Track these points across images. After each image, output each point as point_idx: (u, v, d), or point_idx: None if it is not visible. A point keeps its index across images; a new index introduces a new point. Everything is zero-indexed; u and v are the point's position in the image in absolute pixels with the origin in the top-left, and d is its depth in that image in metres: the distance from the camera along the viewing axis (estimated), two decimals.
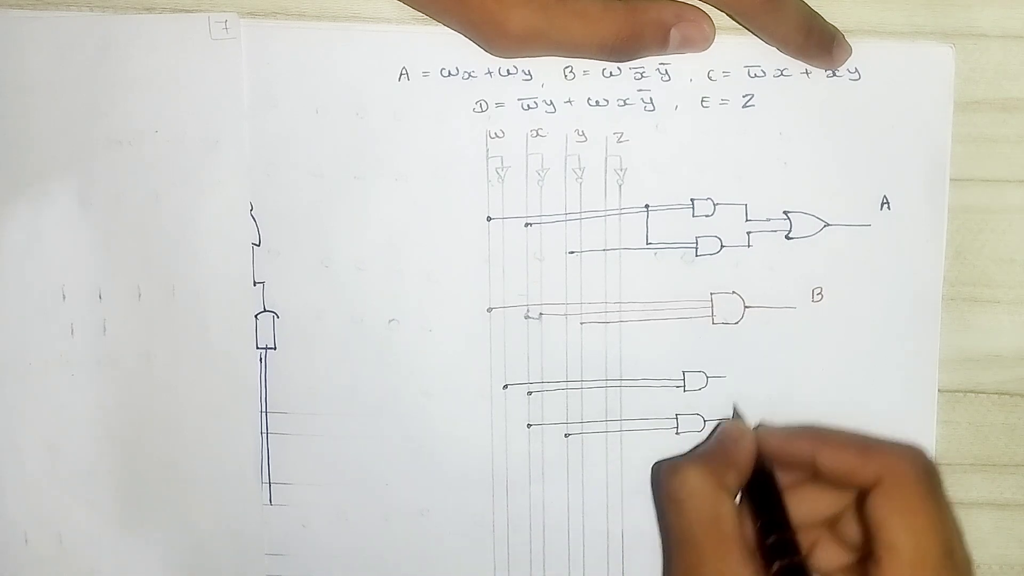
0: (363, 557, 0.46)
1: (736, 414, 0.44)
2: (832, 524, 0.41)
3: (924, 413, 0.44)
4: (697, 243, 0.44)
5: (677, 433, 0.45)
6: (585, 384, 0.45)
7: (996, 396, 0.45)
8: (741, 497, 0.41)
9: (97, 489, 0.45)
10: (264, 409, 0.45)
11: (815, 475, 0.40)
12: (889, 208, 0.44)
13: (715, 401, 0.44)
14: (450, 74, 0.43)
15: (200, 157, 0.44)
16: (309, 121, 0.44)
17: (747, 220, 0.44)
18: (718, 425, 0.44)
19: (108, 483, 0.45)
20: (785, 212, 0.44)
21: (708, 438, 0.44)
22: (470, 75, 0.43)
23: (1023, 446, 0.45)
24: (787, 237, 0.44)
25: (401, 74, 0.43)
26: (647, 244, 0.44)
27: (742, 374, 0.44)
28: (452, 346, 0.44)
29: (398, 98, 0.43)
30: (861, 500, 0.39)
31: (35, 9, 0.43)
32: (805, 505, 0.41)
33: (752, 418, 0.44)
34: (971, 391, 0.45)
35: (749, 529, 0.40)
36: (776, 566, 0.38)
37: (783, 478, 0.41)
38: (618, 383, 0.45)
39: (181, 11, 0.43)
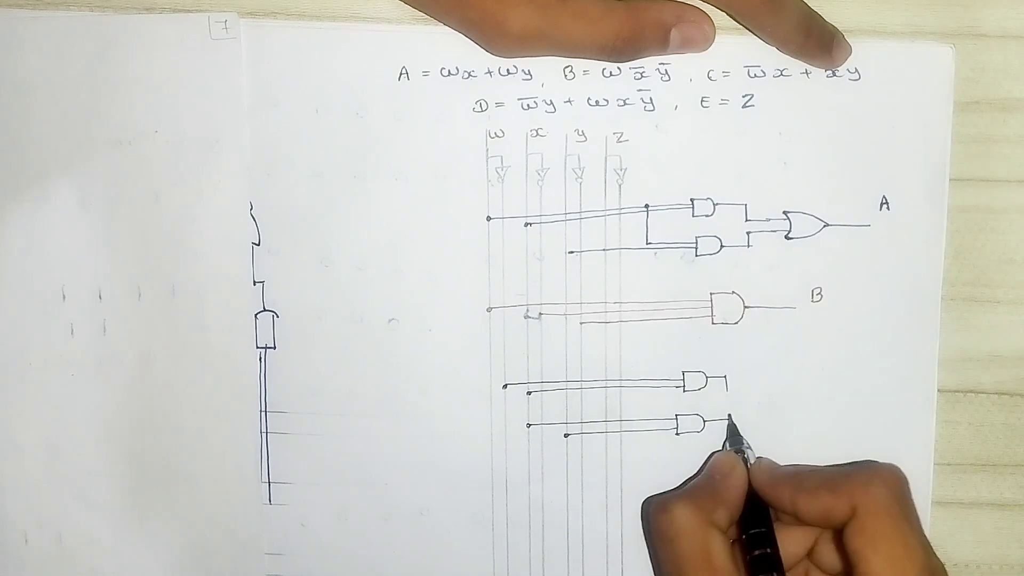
0: (362, 556, 0.46)
1: (732, 431, 0.44)
2: (810, 553, 0.41)
3: (924, 413, 0.44)
4: (697, 243, 0.44)
5: (677, 433, 0.45)
6: (585, 384, 0.45)
7: (996, 396, 0.45)
8: (736, 530, 0.41)
9: (97, 489, 0.45)
10: (264, 408, 0.45)
11: (797, 519, 0.40)
12: (888, 208, 0.44)
13: (715, 401, 0.44)
14: (450, 74, 0.43)
15: (200, 157, 0.44)
16: (309, 121, 0.44)
17: (747, 220, 0.44)
18: (711, 456, 0.44)
19: (108, 483, 0.45)
20: (785, 212, 0.44)
21: (700, 470, 0.44)
22: (470, 75, 0.43)
23: (1023, 446, 0.45)
24: (787, 237, 0.44)
25: (401, 74, 0.43)
26: (647, 244, 0.44)
27: (742, 374, 0.44)
28: (452, 346, 0.44)
29: (398, 98, 0.43)
30: (838, 531, 0.39)
31: (35, 9, 0.43)
32: (794, 539, 0.41)
33: (746, 426, 0.44)
34: (971, 391, 0.45)
35: (740, 561, 0.40)
36: None
37: (773, 512, 0.41)
38: (618, 383, 0.45)
39: (181, 11, 0.43)
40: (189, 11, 0.43)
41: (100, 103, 0.44)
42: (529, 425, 0.45)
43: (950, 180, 0.43)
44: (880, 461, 0.43)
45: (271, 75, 0.44)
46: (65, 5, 0.43)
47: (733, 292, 0.44)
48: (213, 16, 0.43)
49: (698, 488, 0.42)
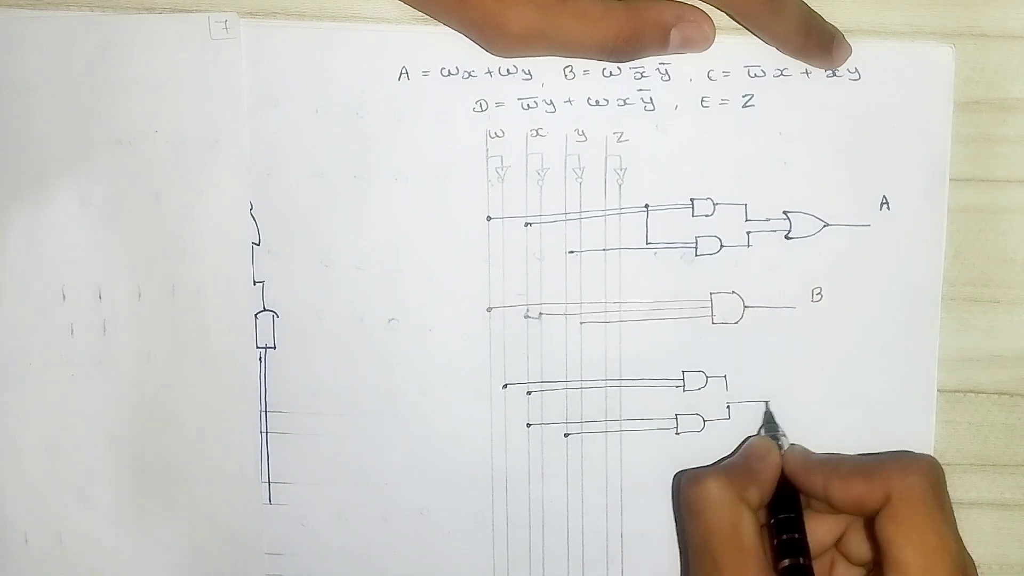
0: (362, 556, 0.46)
1: (768, 419, 0.44)
2: (838, 542, 0.41)
3: (924, 413, 0.44)
4: (697, 243, 0.44)
5: (677, 433, 0.45)
6: (585, 384, 0.45)
7: (996, 396, 0.45)
8: (765, 515, 0.41)
9: (97, 489, 0.45)
10: (264, 408, 0.45)
11: (829, 505, 0.40)
12: (889, 208, 0.44)
13: (714, 401, 0.44)
14: (450, 74, 0.43)
15: (200, 157, 0.44)
16: (309, 121, 0.44)
17: (747, 220, 0.44)
18: (747, 439, 0.44)
19: (108, 483, 0.45)
20: (785, 212, 0.44)
21: (735, 451, 0.44)
22: (470, 75, 0.43)
23: (1023, 446, 0.45)
24: (787, 237, 0.44)
25: (401, 74, 0.43)
26: (647, 244, 0.44)
27: (742, 374, 0.44)
28: (452, 346, 0.44)
29: (398, 98, 0.44)
30: (870, 519, 0.39)
31: (35, 9, 0.43)
32: (823, 528, 0.41)
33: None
34: (971, 391, 0.45)
35: (768, 546, 0.40)
36: None
37: (804, 500, 0.41)
38: (618, 383, 0.45)
39: (181, 11, 0.43)
40: (189, 11, 0.43)
41: (100, 103, 0.44)
42: (529, 425, 0.45)
43: (950, 180, 0.43)
44: (917, 452, 0.43)
45: (271, 75, 0.44)
46: (65, 5, 0.43)
47: (733, 292, 0.44)
48: (213, 16, 0.43)
49: (732, 466, 0.42)
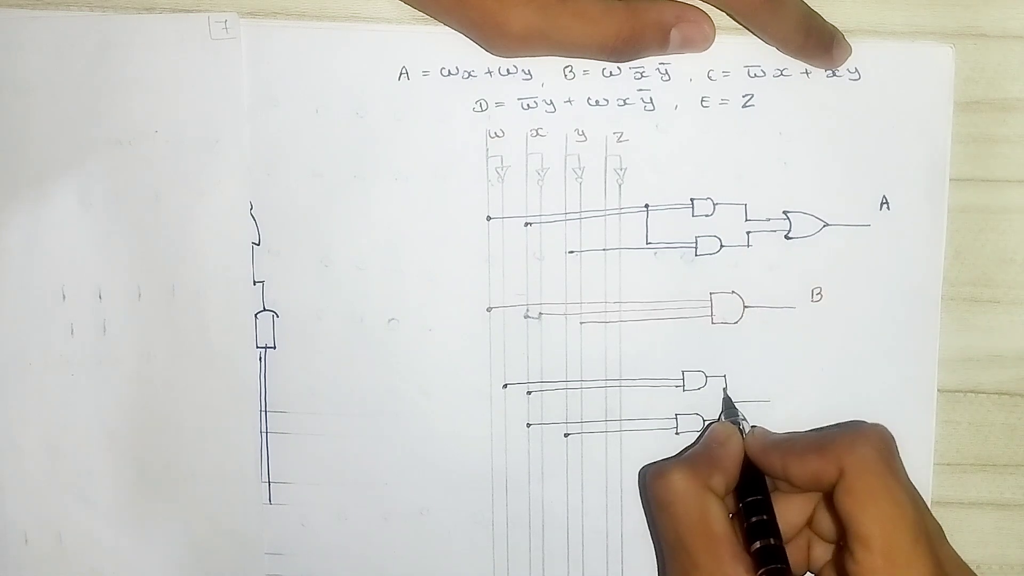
0: (362, 556, 0.46)
1: (727, 404, 0.44)
2: (810, 521, 0.41)
3: (924, 413, 0.44)
4: (697, 243, 0.44)
5: (677, 433, 0.45)
6: (585, 384, 0.45)
7: (996, 396, 0.45)
8: (733, 500, 0.41)
9: (97, 489, 0.45)
10: (264, 408, 0.45)
11: (791, 484, 0.40)
12: (889, 208, 0.44)
13: (715, 401, 0.44)
14: (450, 74, 0.43)
15: (200, 157, 0.44)
16: (309, 121, 0.44)
17: (747, 220, 0.44)
18: (707, 425, 0.44)
19: (108, 483, 0.45)
20: (785, 212, 0.44)
21: (696, 440, 0.44)
22: (470, 75, 0.43)
23: (1023, 446, 0.45)
24: (787, 237, 0.44)
25: (401, 74, 0.43)
26: (647, 244, 0.44)
27: (741, 374, 0.44)
28: (452, 346, 0.44)
29: (398, 98, 0.44)
30: (830, 495, 0.39)
31: (35, 9, 0.43)
32: (793, 508, 0.41)
33: (744, 412, 0.44)
34: (971, 391, 0.45)
35: (739, 530, 0.40)
36: (761, 572, 0.38)
37: (771, 483, 0.41)
38: (618, 383, 0.45)
39: (181, 11, 0.43)
40: (189, 11, 0.43)
41: (100, 103, 0.44)
42: (529, 425, 0.45)
43: (950, 180, 0.43)
44: (866, 421, 0.43)
45: (271, 75, 0.44)
46: (65, 5, 0.43)
47: (733, 292, 0.44)
48: (213, 16, 0.43)
49: (694, 455, 0.42)
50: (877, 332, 0.44)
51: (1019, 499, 0.45)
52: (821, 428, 0.43)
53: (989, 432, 0.45)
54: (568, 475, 0.45)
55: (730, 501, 0.41)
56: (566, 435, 0.45)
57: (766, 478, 0.41)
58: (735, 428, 0.43)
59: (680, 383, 0.44)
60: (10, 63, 0.44)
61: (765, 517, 0.40)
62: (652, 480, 0.41)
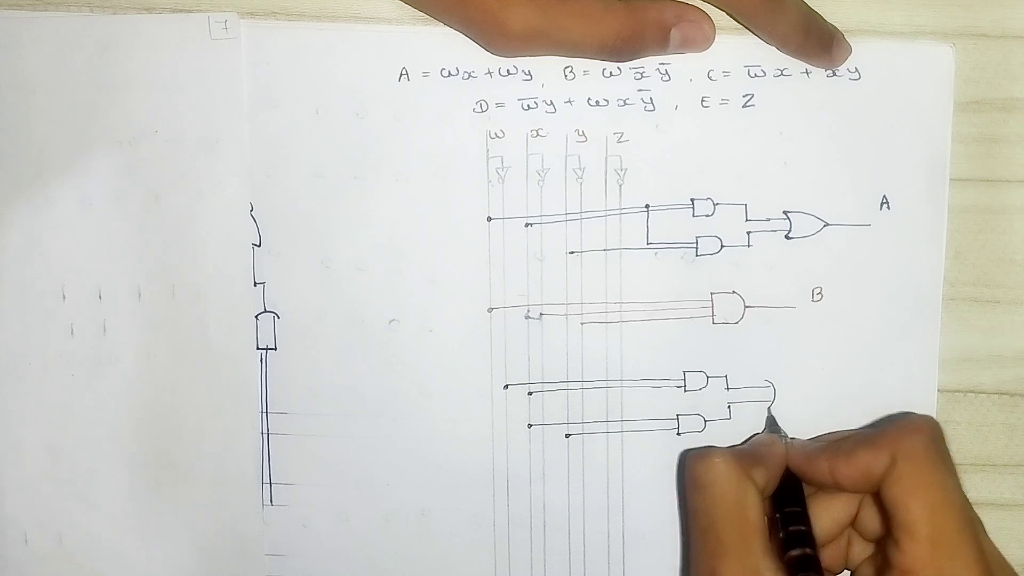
0: (363, 557, 0.46)
1: (771, 422, 0.44)
2: (853, 521, 0.41)
3: (924, 413, 0.44)
4: (697, 243, 0.44)
5: (678, 433, 0.45)
6: (586, 384, 0.45)
7: (996, 396, 0.45)
8: (770, 507, 0.41)
9: (97, 489, 0.45)
10: (264, 409, 0.45)
11: (840, 488, 0.40)
12: (889, 208, 0.44)
13: (715, 401, 0.44)
14: (450, 74, 0.43)
15: (200, 157, 0.44)
16: (309, 121, 0.44)
17: (747, 220, 0.44)
18: (752, 436, 0.44)
19: (108, 483, 0.45)
20: (785, 212, 0.44)
21: (742, 443, 0.44)
22: (470, 75, 0.43)
23: (1023, 446, 0.45)
24: (787, 237, 0.44)
25: (401, 74, 0.43)
26: (647, 244, 0.44)
27: (742, 374, 0.44)
28: (453, 346, 0.44)
29: (398, 98, 0.43)
30: (878, 493, 0.39)
31: (35, 9, 0.43)
32: (836, 507, 0.41)
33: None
34: (971, 391, 0.45)
35: (773, 534, 0.40)
36: None
37: (808, 488, 0.41)
38: (619, 383, 0.45)
39: (181, 11, 0.43)
40: (189, 11, 0.43)
41: (100, 103, 0.44)
42: (530, 425, 0.45)
43: (950, 180, 0.44)
44: (916, 413, 0.43)
45: (271, 75, 0.43)
46: (65, 5, 0.43)
47: (733, 292, 0.44)
48: (213, 16, 0.43)
49: (739, 448, 0.42)
50: (877, 332, 0.44)
51: (1019, 499, 0.45)
52: (865, 426, 0.43)
53: (989, 432, 0.45)
54: (569, 476, 0.45)
55: (766, 507, 0.41)
56: (567, 436, 0.45)
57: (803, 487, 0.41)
58: (778, 439, 0.43)
59: (681, 383, 0.44)
60: (10, 63, 0.43)
61: (803, 528, 0.39)
62: (693, 460, 0.40)
